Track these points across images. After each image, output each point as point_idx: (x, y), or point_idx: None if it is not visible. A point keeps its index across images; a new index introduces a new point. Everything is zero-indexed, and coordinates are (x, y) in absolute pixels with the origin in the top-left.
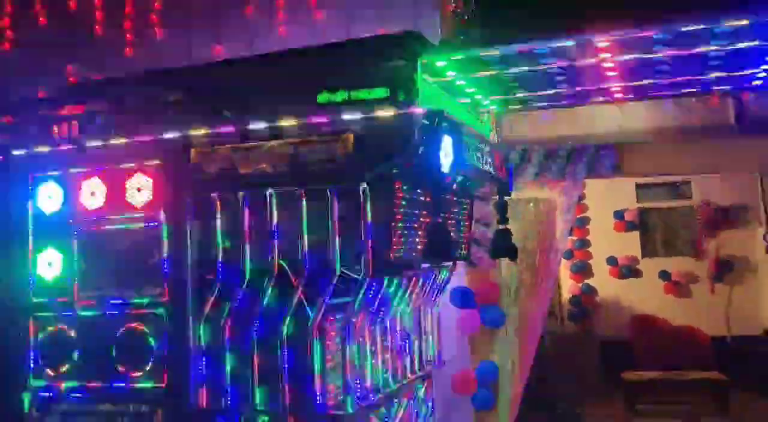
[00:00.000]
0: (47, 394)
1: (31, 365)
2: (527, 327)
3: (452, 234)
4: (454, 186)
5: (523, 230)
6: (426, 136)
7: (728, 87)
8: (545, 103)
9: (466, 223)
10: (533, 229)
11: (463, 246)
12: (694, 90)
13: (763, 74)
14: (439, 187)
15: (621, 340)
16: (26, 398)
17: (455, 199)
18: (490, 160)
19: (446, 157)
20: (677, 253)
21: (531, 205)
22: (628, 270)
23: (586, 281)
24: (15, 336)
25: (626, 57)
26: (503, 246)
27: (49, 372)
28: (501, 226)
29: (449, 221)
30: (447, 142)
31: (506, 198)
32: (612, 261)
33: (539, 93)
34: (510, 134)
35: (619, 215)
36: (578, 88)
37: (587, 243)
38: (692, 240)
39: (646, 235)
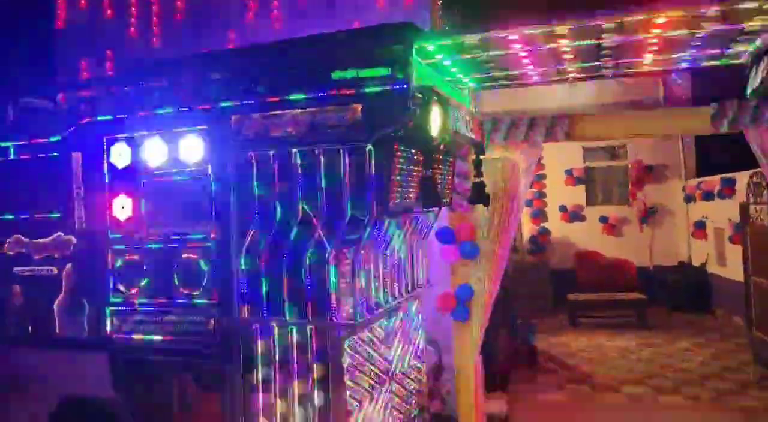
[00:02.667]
0: (124, 308)
1: (111, 286)
2: (495, 259)
3: (439, 185)
4: (441, 147)
5: (493, 183)
6: (419, 107)
7: (659, 68)
8: (513, 81)
9: (450, 177)
10: (501, 183)
11: (447, 195)
12: (631, 70)
13: (688, 57)
14: (429, 148)
15: (567, 270)
16: (108, 311)
17: (441, 157)
18: (468, 126)
19: (435, 124)
20: (614, 202)
21: (500, 163)
22: (574, 216)
23: (542, 224)
24: (98, 264)
25: (580, 43)
26: (479, 195)
27: (125, 291)
28: (477, 179)
29: (437, 175)
30: (435, 112)
31: (481, 157)
32: (563, 208)
33: (509, 72)
34: (484, 106)
35: (569, 172)
36: (540, 69)
37: (544, 195)
38: (625, 192)
39: (590, 188)
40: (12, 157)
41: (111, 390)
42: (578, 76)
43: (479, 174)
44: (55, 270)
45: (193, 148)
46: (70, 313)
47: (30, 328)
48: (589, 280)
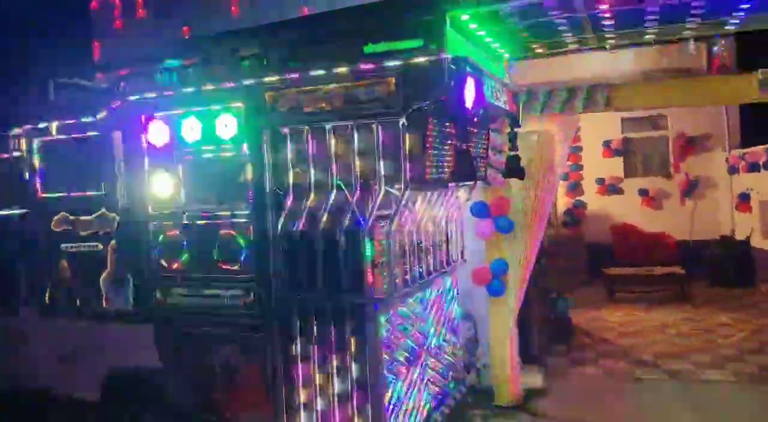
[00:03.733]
0: (166, 282)
1: (154, 262)
2: (531, 233)
3: (473, 159)
4: (475, 119)
5: (528, 156)
6: (453, 79)
7: (702, 34)
8: (550, 51)
9: (484, 150)
10: (537, 156)
11: (481, 168)
12: (675, 37)
13: (736, 21)
14: (464, 120)
15: (604, 244)
16: (151, 285)
17: (475, 130)
18: (504, 98)
19: (469, 96)
20: (653, 174)
21: (535, 136)
22: (612, 188)
23: (578, 197)
24: (141, 240)
25: (622, 8)
26: (513, 169)
27: (167, 266)
28: (512, 153)
29: (471, 148)
30: (470, 84)
31: (516, 129)
32: (600, 181)
33: (545, 41)
34: (520, 77)
35: (606, 144)
36: (578, 37)
37: (580, 167)
38: (666, 164)
39: (628, 160)
40: (55, 135)
41: (157, 361)
42: (618, 43)
43: (514, 147)
44: (100, 246)
45: (228, 125)
46: (116, 287)
47: (78, 301)
48: (626, 254)
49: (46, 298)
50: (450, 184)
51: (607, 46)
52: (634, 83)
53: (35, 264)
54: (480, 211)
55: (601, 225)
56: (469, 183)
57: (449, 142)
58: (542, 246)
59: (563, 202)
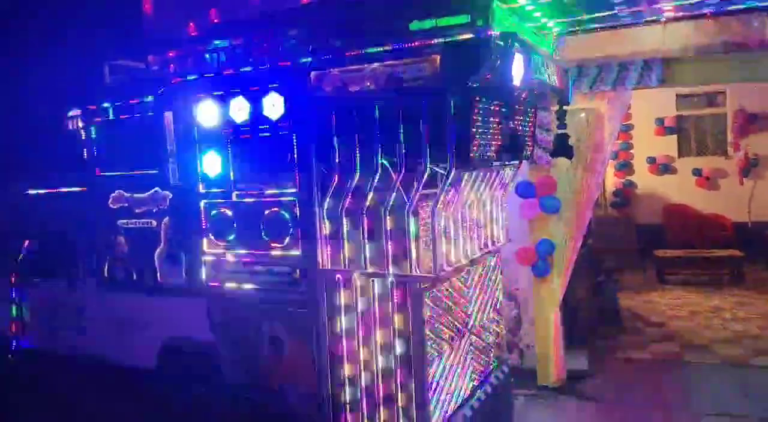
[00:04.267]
0: (216, 259)
1: (204, 238)
2: (578, 213)
3: (520, 138)
4: (522, 97)
5: (576, 134)
6: (500, 56)
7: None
8: (601, 24)
9: (531, 129)
10: (585, 134)
11: (527, 147)
12: (735, 7)
13: None
14: (511, 98)
15: (655, 225)
16: (202, 261)
17: (522, 108)
18: (552, 74)
19: (517, 73)
20: (709, 153)
21: (584, 113)
22: (664, 168)
23: (627, 177)
24: (192, 218)
25: None
26: (561, 147)
27: (216, 243)
28: (560, 131)
29: (518, 127)
30: (517, 60)
31: (564, 107)
32: (651, 160)
33: (596, 14)
34: (569, 53)
35: (659, 121)
36: (631, 9)
37: (630, 146)
38: (723, 142)
39: (682, 138)
40: (111, 117)
41: (209, 334)
42: (674, 15)
43: (562, 125)
44: (154, 223)
45: (275, 105)
46: (170, 263)
47: (134, 275)
48: (678, 236)
49: (105, 272)
50: (495, 163)
51: (663, 19)
52: (691, 58)
53: (94, 240)
54: (525, 190)
55: (652, 206)
56: (514, 162)
57: (496, 120)
58: (589, 227)
59: (612, 182)
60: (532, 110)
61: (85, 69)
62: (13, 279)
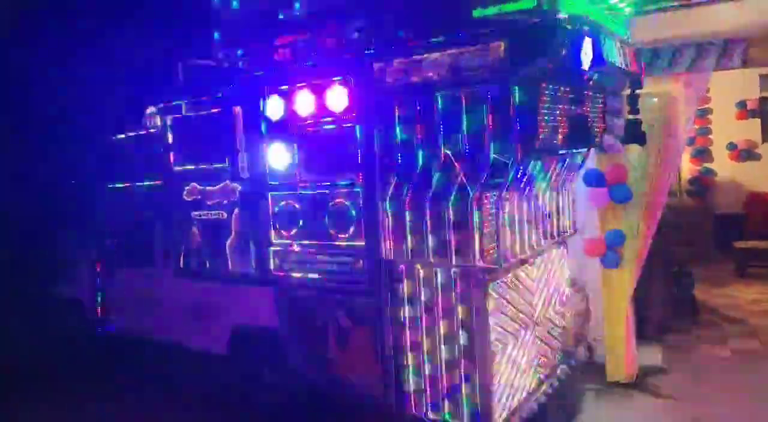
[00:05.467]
0: (283, 249)
1: (272, 229)
2: (651, 203)
3: (588, 124)
4: (592, 81)
5: (649, 120)
6: (568, 40)
7: None
8: (676, 3)
9: (600, 115)
10: (659, 119)
11: (597, 134)
12: None
13: None
14: (579, 83)
15: (735, 215)
16: (270, 251)
17: (592, 93)
18: (624, 57)
19: (586, 57)
20: None
21: (658, 97)
22: (746, 154)
23: (705, 164)
24: (260, 210)
25: None
26: (633, 134)
27: (283, 233)
28: (631, 116)
29: (586, 113)
30: (587, 44)
31: (637, 91)
32: (731, 146)
33: None
34: (642, 34)
35: (740, 105)
36: None
37: (708, 131)
38: None
39: (767, 122)
40: (184, 113)
41: (276, 321)
42: None
43: (634, 110)
44: (225, 215)
45: (338, 98)
46: (240, 252)
47: (207, 264)
48: (761, 226)
49: (180, 261)
50: (562, 151)
51: None
52: None
53: (170, 231)
54: (594, 179)
55: (732, 195)
56: (583, 150)
57: (563, 106)
58: (663, 217)
59: (688, 170)
60: (602, 95)
61: (160, 69)
62: (98, 268)
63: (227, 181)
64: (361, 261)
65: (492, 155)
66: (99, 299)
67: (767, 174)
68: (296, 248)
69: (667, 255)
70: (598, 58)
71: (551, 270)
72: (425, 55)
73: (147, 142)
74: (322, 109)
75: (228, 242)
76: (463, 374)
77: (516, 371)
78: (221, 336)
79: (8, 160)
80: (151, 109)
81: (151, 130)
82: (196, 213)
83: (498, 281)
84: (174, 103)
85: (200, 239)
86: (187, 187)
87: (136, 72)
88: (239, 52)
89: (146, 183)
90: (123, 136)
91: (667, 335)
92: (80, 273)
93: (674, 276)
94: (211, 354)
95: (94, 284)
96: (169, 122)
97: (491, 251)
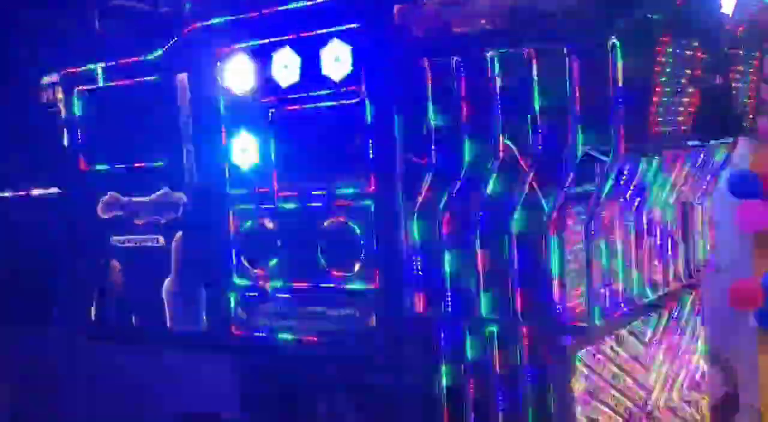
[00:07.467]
0: (251, 294)
1: (234, 263)
2: None
3: (735, 100)
4: (739, 34)
5: None
6: None
7: None
8: None
9: (753, 85)
10: None
11: (747, 115)
12: None
13: None
14: (718, 37)
15: None
16: (232, 297)
17: (740, 52)
18: None
19: None
20: None
21: None
22: None
23: None
24: (216, 232)
25: None
26: None
27: (252, 270)
28: None
29: (731, 82)
30: None
31: None
32: None
33: None
34: None
35: None
36: None
37: None
38: None
39: None
40: (101, 83)
41: (238, 408)
42: None
43: None
44: (162, 241)
45: (340, 59)
46: (184, 301)
47: (134, 320)
48: None
49: (92, 314)
50: (692, 143)
51: None
52: None
53: (76, 266)
54: (746, 185)
55: None
56: (726, 140)
57: (692, 73)
58: None
59: None
60: (756, 56)
61: (65, 17)
62: None
63: (166, 189)
64: (372, 316)
65: (579, 149)
66: None
67: None
68: (272, 294)
69: None
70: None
71: (675, 331)
72: None
73: (41, 128)
74: (314, 75)
75: (166, 284)
76: None
77: None
78: None
79: None
80: (49, 78)
81: (49, 110)
82: (117, 238)
83: (590, 349)
84: (85, 69)
85: (123, 279)
86: (103, 199)
87: (29, 22)
88: None
89: (37, 191)
90: (8, 119)
91: None
92: None
93: None
94: None
95: None
96: (76, 98)
97: (579, 300)
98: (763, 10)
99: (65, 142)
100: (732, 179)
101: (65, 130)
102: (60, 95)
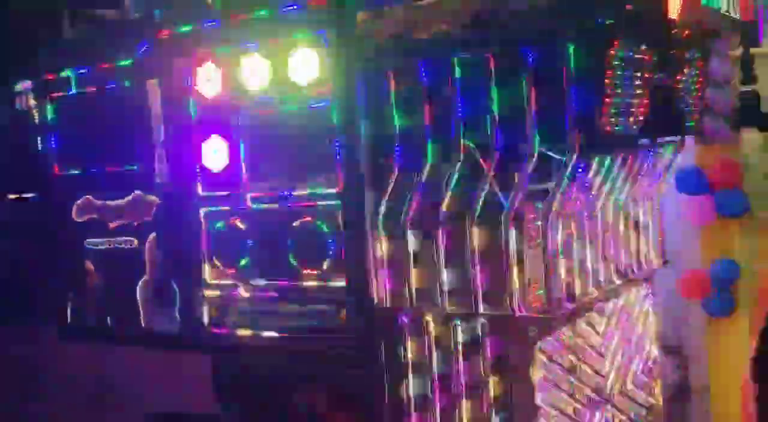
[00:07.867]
0: (223, 293)
1: (206, 263)
2: None
3: (681, 99)
4: (684, 37)
5: None
6: None
7: None
8: None
9: (699, 86)
10: None
11: (693, 115)
12: None
13: None
14: (666, 40)
15: None
16: (204, 298)
17: (685, 54)
18: (732, 2)
19: (674, 0)
20: None
21: None
22: None
23: None
24: (188, 232)
25: None
26: (749, 113)
27: (225, 269)
28: (746, 88)
29: (677, 84)
30: None
31: (753, 51)
32: None
33: None
34: None
35: None
36: None
37: None
38: None
39: None
40: (74, 89)
41: (213, 406)
42: None
43: (750, 79)
44: (135, 242)
45: (307, 64)
46: (158, 300)
47: (108, 320)
48: None
49: (68, 315)
50: (642, 141)
51: None
52: None
53: (51, 268)
54: (692, 182)
55: None
56: (674, 138)
57: (642, 75)
58: None
59: None
60: (701, 58)
61: (37, 23)
62: None
63: (138, 192)
64: (342, 311)
65: (536, 147)
66: None
67: None
68: (244, 292)
69: None
70: (692, 2)
71: (630, 321)
72: None
73: (14, 133)
74: (282, 80)
75: (140, 284)
76: None
77: None
78: None
79: None
80: (22, 85)
81: (21, 116)
82: (92, 240)
83: (549, 338)
84: (57, 76)
85: (97, 280)
86: (77, 203)
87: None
88: None
89: (12, 195)
90: None
91: None
92: None
93: None
94: None
95: None
96: (49, 103)
97: (538, 292)
98: (708, 16)
99: (39, 148)
100: (680, 175)
101: (38, 136)
102: (33, 101)
